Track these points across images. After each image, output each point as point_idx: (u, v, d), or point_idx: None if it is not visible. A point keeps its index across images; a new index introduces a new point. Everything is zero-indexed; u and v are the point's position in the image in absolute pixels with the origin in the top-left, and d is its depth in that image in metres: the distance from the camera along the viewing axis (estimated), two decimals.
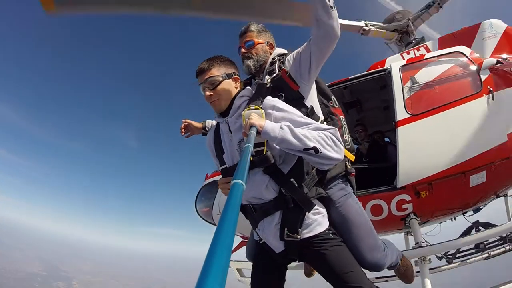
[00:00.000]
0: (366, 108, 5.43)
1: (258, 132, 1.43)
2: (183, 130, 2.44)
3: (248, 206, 1.72)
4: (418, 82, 3.47)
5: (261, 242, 1.78)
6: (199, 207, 4.62)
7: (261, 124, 1.44)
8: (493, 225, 3.60)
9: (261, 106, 1.62)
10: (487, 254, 4.32)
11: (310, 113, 1.83)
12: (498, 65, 3.34)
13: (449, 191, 3.02)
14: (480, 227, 3.71)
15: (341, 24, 4.70)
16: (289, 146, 1.45)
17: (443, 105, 3.19)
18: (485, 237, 3.30)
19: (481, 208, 3.70)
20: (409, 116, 3.24)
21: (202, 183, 4.77)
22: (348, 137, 2.10)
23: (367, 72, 3.91)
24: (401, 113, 3.28)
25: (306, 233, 1.58)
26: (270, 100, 1.66)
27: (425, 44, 4.30)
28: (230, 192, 0.68)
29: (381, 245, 1.89)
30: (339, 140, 1.51)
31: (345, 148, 1.97)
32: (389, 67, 3.70)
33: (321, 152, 1.43)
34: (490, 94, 3.13)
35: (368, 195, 3.13)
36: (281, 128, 1.45)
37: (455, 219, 3.96)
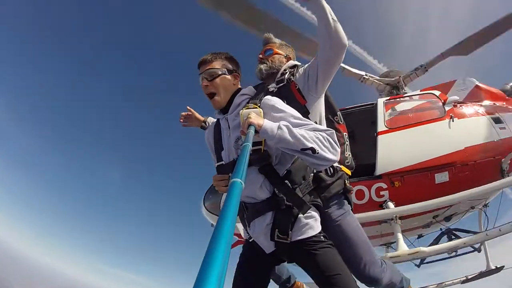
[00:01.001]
0: (359, 141, 6.41)
1: (256, 131, 1.43)
2: (183, 118, 2.51)
3: (241, 204, 1.73)
4: (397, 110, 4.58)
5: (250, 240, 1.77)
6: (207, 204, 5.13)
7: (260, 123, 1.45)
8: (466, 231, 4.20)
9: (259, 105, 1.64)
10: (464, 278, 4.76)
11: None
12: (459, 104, 4.47)
13: (418, 184, 3.81)
14: (452, 235, 4.30)
15: (347, 70, 6.11)
16: (287, 146, 1.46)
17: (414, 123, 4.22)
18: (454, 246, 3.86)
19: (452, 217, 4.33)
20: (386, 129, 4.25)
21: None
22: (349, 155, 2.14)
23: (358, 104, 5.07)
24: (381, 127, 4.30)
25: (297, 236, 1.57)
26: (269, 99, 1.68)
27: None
28: (229, 190, 0.69)
29: (378, 261, 1.93)
30: (335, 142, 1.52)
31: (345, 165, 2.05)
32: (375, 102, 4.85)
33: (318, 153, 1.44)
34: (451, 119, 4.15)
35: (353, 182, 3.95)
36: (279, 127, 1.46)
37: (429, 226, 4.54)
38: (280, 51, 2.21)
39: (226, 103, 1.79)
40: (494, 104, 4.71)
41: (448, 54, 6.18)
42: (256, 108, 1.59)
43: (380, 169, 3.92)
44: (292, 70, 2.07)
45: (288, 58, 2.22)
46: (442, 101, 4.45)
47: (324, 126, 1.65)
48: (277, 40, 2.26)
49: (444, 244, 3.60)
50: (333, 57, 1.87)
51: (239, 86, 1.86)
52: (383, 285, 1.94)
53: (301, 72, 1.99)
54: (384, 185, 3.87)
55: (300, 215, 1.59)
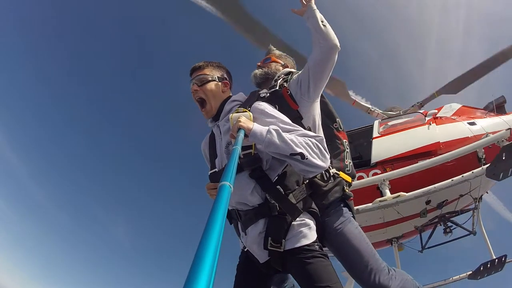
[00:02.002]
0: (362, 147, 7.44)
1: (246, 135, 1.43)
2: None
3: (234, 211, 1.71)
4: (388, 124, 5.91)
5: (245, 250, 1.72)
6: None
7: (249, 127, 1.45)
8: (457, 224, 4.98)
9: (249, 109, 1.64)
10: (470, 272, 5.29)
11: None
12: (437, 116, 5.75)
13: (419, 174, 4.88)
14: (446, 220, 5.07)
15: (357, 102, 7.72)
16: (276, 150, 1.46)
17: (401, 129, 5.48)
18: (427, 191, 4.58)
19: (444, 204, 5.12)
20: (379, 135, 5.53)
21: None
22: (349, 162, 2.12)
23: (359, 127, 6.49)
24: (375, 134, 5.59)
25: (290, 244, 1.54)
26: (259, 104, 1.68)
27: None
28: (217, 194, 0.69)
29: (385, 268, 1.84)
30: (325, 149, 1.52)
31: (346, 173, 2.03)
32: (373, 123, 6.25)
33: (307, 159, 1.44)
34: (429, 124, 5.37)
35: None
36: (269, 131, 1.46)
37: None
38: (278, 60, 2.28)
39: (217, 111, 1.80)
40: (473, 115, 5.87)
41: (440, 92, 7.61)
42: (246, 112, 1.60)
43: (374, 159, 5.09)
44: (286, 77, 2.08)
45: (285, 67, 2.26)
46: (424, 115, 5.73)
47: (313, 133, 1.65)
48: (277, 51, 2.36)
49: (421, 190, 4.40)
50: (323, 59, 1.88)
51: (230, 94, 1.89)
52: None
53: (295, 78, 2.00)
54: (379, 171, 4.97)
55: (294, 223, 1.56)
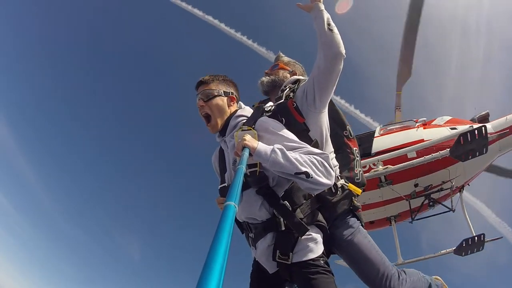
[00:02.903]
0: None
1: (250, 154, 1.45)
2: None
3: (244, 223, 1.76)
4: (387, 129, 7.59)
5: (256, 260, 1.79)
6: None
7: (254, 146, 1.47)
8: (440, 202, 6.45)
9: (253, 127, 1.67)
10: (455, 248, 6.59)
11: (313, 147, 1.68)
12: (426, 123, 7.40)
13: (398, 157, 6.47)
14: (431, 198, 6.52)
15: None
16: (280, 169, 1.48)
17: (396, 131, 7.15)
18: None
19: (429, 188, 6.58)
20: (378, 135, 7.21)
21: None
22: (359, 171, 2.09)
23: (365, 132, 8.19)
24: (376, 135, 7.28)
25: (297, 258, 1.58)
26: (263, 122, 1.70)
27: None
28: (222, 214, 0.71)
29: (395, 274, 1.89)
30: (330, 166, 1.54)
31: (355, 182, 2.01)
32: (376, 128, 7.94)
33: (312, 177, 1.45)
34: (417, 128, 7.02)
35: None
36: (273, 151, 1.47)
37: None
38: (286, 67, 2.25)
39: (223, 126, 1.81)
40: (459, 124, 7.42)
41: (399, 87, 9.10)
42: (250, 130, 1.63)
43: (374, 150, 6.73)
44: (293, 86, 2.06)
45: (293, 74, 2.23)
46: (415, 122, 7.39)
47: (319, 150, 1.63)
48: (286, 58, 2.33)
49: (403, 164, 6.00)
50: (327, 67, 1.83)
51: (236, 108, 1.89)
52: None
53: (301, 88, 1.97)
54: (377, 160, 6.60)
55: (301, 238, 1.60)
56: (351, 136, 2.15)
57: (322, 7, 1.90)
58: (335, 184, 1.84)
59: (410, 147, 6.29)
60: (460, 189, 6.84)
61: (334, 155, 2.01)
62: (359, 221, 1.95)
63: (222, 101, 1.83)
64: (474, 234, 6.42)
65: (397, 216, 7.08)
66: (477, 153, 5.70)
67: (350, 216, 1.92)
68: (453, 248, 6.64)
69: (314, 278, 1.54)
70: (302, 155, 1.51)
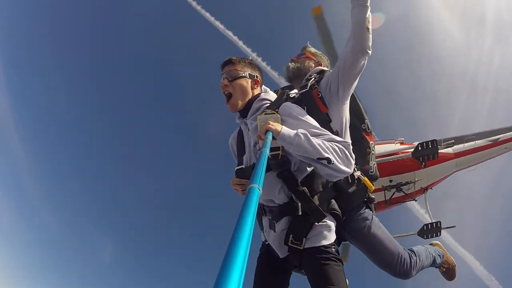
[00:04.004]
0: None
1: (274, 137, 1.46)
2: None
3: (259, 207, 1.77)
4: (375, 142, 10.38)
5: (266, 243, 1.85)
6: None
7: (278, 130, 1.48)
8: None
9: (277, 110, 1.68)
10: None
11: None
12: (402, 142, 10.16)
13: (381, 163, 9.12)
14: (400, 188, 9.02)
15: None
16: (303, 153, 1.50)
17: (378, 144, 9.90)
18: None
19: (400, 185, 9.05)
20: None
21: None
22: (374, 164, 2.18)
23: None
24: None
25: (310, 243, 1.64)
26: (287, 106, 1.72)
27: None
28: (246, 196, 0.71)
29: (406, 257, 2.03)
30: (351, 155, 1.57)
31: (369, 174, 2.10)
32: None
33: (333, 164, 1.48)
34: (395, 144, 9.77)
35: None
36: (297, 134, 1.50)
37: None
38: (312, 57, 2.29)
39: (245, 107, 1.83)
40: None
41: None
42: (274, 114, 1.64)
43: None
44: (318, 76, 2.08)
45: (318, 65, 2.26)
46: (395, 139, 10.14)
47: (340, 138, 1.68)
48: (313, 49, 2.38)
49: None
50: (352, 60, 1.88)
51: (259, 92, 1.91)
52: (414, 275, 2.09)
53: (325, 79, 2.01)
54: None
55: (316, 223, 1.66)
56: (369, 129, 2.22)
57: (369, 1, 1.88)
58: (352, 175, 1.89)
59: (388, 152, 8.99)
60: (424, 190, 9.32)
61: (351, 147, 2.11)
62: (372, 212, 2.05)
63: (246, 82, 1.85)
64: (433, 221, 8.77)
65: (376, 204, 9.52)
66: (431, 156, 8.33)
67: (365, 208, 2.02)
68: (417, 231, 8.94)
69: (325, 263, 1.59)
70: (324, 141, 1.54)
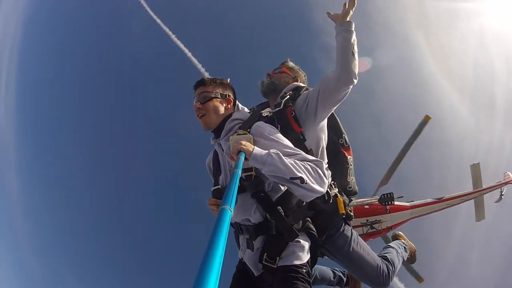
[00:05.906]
0: None
1: (246, 158, 1.47)
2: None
3: (236, 224, 1.84)
4: None
5: (242, 260, 1.87)
6: None
7: (249, 150, 1.49)
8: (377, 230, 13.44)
9: (249, 131, 1.70)
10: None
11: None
12: None
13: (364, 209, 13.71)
14: (370, 226, 13.44)
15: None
16: (276, 174, 1.51)
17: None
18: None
19: (373, 224, 13.43)
20: None
21: None
22: (352, 179, 2.19)
23: None
24: None
25: (282, 262, 1.66)
26: (259, 126, 1.73)
27: None
28: (218, 217, 0.72)
29: (385, 269, 2.12)
30: (323, 174, 1.57)
31: (348, 190, 2.14)
32: None
33: (306, 183, 1.49)
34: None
35: None
36: (269, 155, 1.50)
37: None
38: (289, 72, 2.27)
39: (218, 127, 1.86)
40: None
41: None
42: (246, 134, 1.66)
43: None
44: (293, 93, 2.06)
45: (295, 80, 2.24)
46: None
47: (313, 157, 1.69)
48: (291, 63, 2.35)
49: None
50: (335, 88, 1.88)
51: (232, 111, 1.94)
52: (391, 282, 2.18)
53: (302, 97, 1.98)
54: None
55: (290, 243, 1.68)
56: (346, 144, 2.26)
57: (353, 26, 1.89)
58: (328, 193, 1.92)
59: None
60: (389, 228, 13.63)
61: (327, 165, 2.02)
62: (350, 227, 2.12)
63: (218, 103, 1.89)
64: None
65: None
66: (390, 202, 12.95)
67: (344, 225, 2.06)
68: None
69: (293, 284, 1.60)
70: (296, 161, 1.56)
